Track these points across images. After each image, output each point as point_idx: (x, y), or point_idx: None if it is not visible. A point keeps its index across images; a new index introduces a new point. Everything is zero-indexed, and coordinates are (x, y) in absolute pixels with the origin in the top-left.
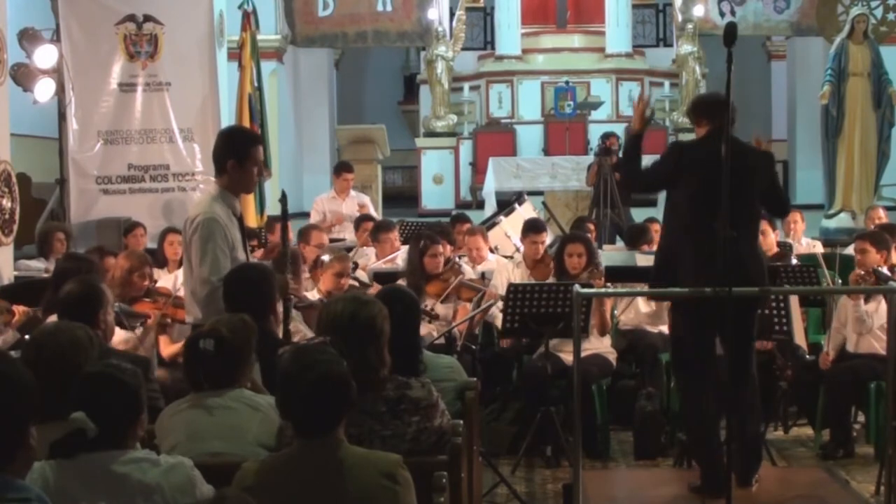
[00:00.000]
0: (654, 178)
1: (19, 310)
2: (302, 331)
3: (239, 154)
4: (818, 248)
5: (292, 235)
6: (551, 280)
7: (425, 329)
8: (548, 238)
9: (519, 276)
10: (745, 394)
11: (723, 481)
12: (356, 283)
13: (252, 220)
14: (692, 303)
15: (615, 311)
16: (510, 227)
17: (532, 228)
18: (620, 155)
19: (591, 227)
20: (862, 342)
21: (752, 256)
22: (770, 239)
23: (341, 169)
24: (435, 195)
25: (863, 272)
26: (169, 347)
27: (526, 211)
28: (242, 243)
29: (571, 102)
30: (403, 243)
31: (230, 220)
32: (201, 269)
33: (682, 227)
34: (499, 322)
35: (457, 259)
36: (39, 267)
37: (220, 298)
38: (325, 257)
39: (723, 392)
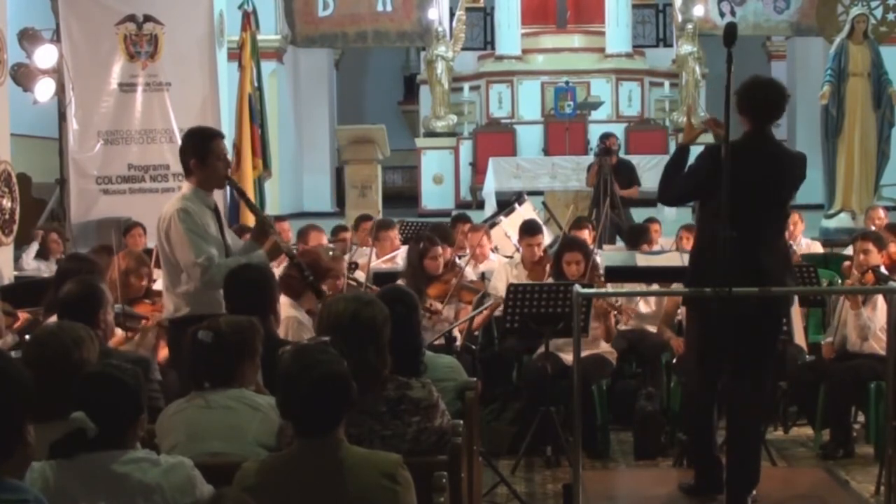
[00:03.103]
0: (688, 188)
1: (23, 315)
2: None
3: (198, 152)
4: (817, 249)
5: (291, 235)
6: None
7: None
8: (547, 238)
9: (517, 277)
10: (748, 407)
11: (718, 485)
12: (353, 283)
13: (251, 220)
14: (708, 309)
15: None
16: (510, 227)
17: (528, 231)
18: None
19: (590, 227)
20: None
21: (775, 264)
22: None
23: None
24: (435, 195)
25: (860, 274)
26: (166, 350)
27: (526, 211)
28: (221, 233)
29: (571, 102)
30: (403, 243)
31: (203, 211)
32: (187, 257)
33: (711, 234)
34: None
35: (457, 260)
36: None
37: (214, 277)
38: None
39: (726, 397)
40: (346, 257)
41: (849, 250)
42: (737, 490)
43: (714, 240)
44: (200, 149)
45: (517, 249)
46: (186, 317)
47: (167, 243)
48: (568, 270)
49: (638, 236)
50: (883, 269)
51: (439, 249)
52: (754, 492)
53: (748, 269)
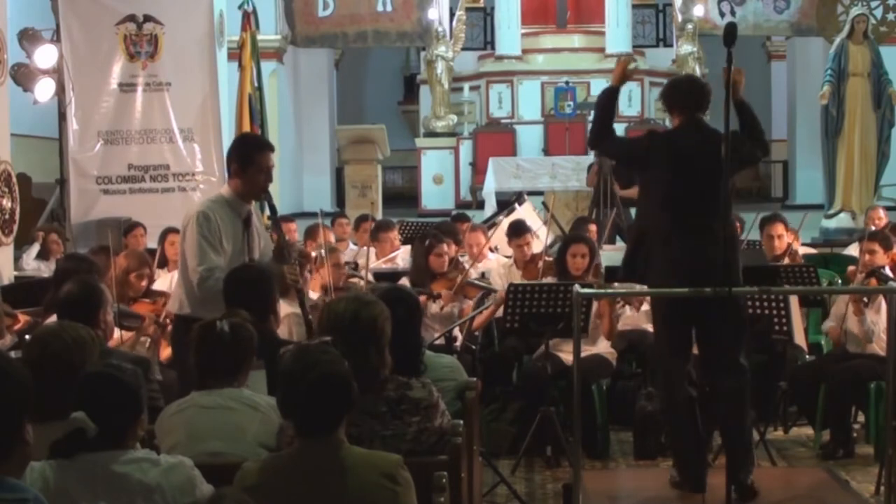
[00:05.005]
0: (620, 149)
1: (24, 318)
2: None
3: (241, 159)
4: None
5: (297, 235)
6: (549, 280)
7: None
8: (547, 238)
9: (510, 278)
10: (730, 385)
11: (700, 478)
12: (354, 275)
13: None
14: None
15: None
16: None
17: (515, 232)
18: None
19: (592, 227)
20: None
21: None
22: (784, 241)
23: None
24: (435, 195)
25: (863, 274)
26: (168, 349)
27: (526, 211)
28: (247, 246)
29: (571, 102)
30: (403, 243)
31: (229, 220)
32: (191, 261)
33: (655, 223)
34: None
35: (460, 258)
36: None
37: (211, 288)
38: (322, 252)
39: (701, 387)
40: (346, 253)
41: (848, 250)
42: (736, 474)
43: (650, 222)
44: (244, 157)
45: None
46: (190, 316)
47: (182, 241)
48: (573, 263)
49: None
50: (887, 271)
51: (445, 247)
52: (751, 478)
53: (701, 258)
